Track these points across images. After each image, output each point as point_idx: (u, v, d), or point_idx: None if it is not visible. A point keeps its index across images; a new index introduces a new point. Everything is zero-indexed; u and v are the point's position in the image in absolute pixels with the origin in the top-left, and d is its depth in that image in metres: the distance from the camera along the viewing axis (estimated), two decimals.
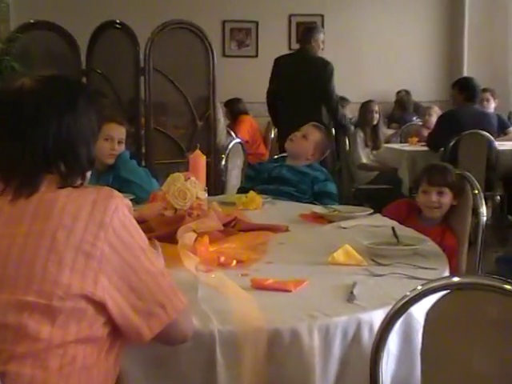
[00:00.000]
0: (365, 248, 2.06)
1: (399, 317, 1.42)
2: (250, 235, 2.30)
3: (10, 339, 1.23)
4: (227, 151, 4.38)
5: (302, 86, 5.27)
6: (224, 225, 2.29)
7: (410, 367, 1.59)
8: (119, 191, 1.36)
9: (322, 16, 8.08)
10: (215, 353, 1.44)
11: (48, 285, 1.23)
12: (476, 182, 2.79)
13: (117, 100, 4.51)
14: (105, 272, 1.26)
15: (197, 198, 2.28)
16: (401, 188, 5.41)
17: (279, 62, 5.50)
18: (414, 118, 7.37)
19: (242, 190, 3.35)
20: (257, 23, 8.00)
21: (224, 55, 7.83)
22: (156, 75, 4.38)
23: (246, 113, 7.15)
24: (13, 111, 1.34)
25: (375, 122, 6.16)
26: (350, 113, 7.29)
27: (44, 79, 1.38)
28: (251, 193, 2.95)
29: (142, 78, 4.39)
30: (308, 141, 3.47)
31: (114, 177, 3.11)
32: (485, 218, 2.67)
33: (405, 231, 2.35)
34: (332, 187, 3.38)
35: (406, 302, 1.40)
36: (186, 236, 2.06)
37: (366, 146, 6.10)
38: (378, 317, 1.51)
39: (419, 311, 1.52)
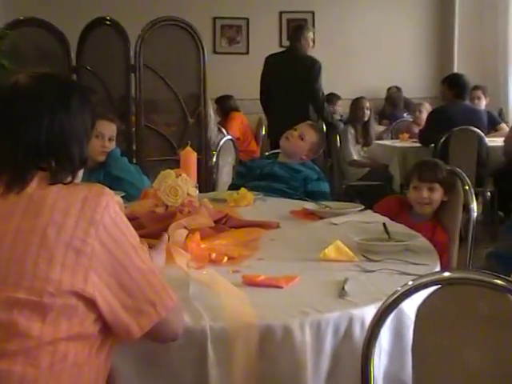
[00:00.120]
0: (356, 244, 2.07)
1: (390, 312, 1.42)
2: (241, 232, 2.30)
3: (0, 336, 1.23)
4: (218, 148, 4.38)
5: (291, 84, 5.36)
6: (215, 221, 2.29)
7: (401, 363, 1.60)
8: (110, 188, 1.35)
9: (313, 13, 8.08)
10: (207, 349, 1.43)
11: (39, 281, 1.23)
12: (467, 177, 2.80)
13: (107, 97, 4.49)
14: (95, 269, 1.26)
15: (188, 194, 2.28)
16: (392, 184, 5.43)
17: (269, 60, 5.59)
18: (405, 115, 7.38)
19: (234, 187, 3.35)
20: (247, 20, 7.99)
21: (215, 52, 7.81)
22: (146, 72, 4.37)
23: (236, 110, 7.15)
24: (7, 107, 1.35)
25: (366, 119, 6.17)
26: (341, 109, 7.30)
27: (39, 76, 1.39)
28: (242, 189, 2.95)
29: (133, 75, 4.37)
30: (304, 141, 3.48)
31: (104, 174, 3.10)
32: (475, 214, 2.68)
33: (396, 227, 2.36)
34: (325, 186, 3.40)
35: (397, 297, 1.41)
36: (177, 233, 2.05)
37: (357, 142, 6.12)
38: (369, 312, 1.51)
39: (410, 307, 1.52)
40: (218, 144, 4.43)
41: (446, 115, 5.31)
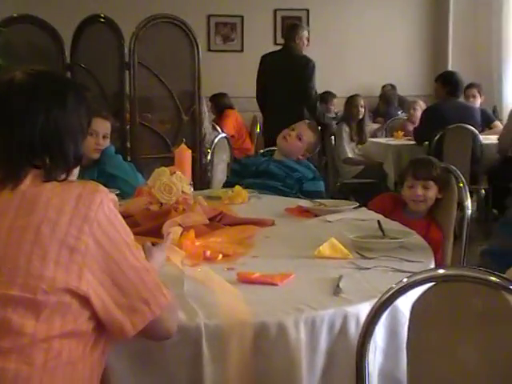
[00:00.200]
0: (350, 241, 2.07)
1: (385, 309, 1.42)
2: (235, 229, 2.30)
3: None
4: (213, 146, 4.38)
5: (286, 83, 5.40)
6: (210, 219, 2.29)
7: (395, 360, 1.60)
8: (104, 186, 1.35)
9: (307, 10, 8.09)
10: (201, 346, 1.43)
11: (32, 279, 1.23)
12: (461, 175, 2.80)
13: (101, 94, 4.48)
14: (89, 266, 1.26)
15: (182, 192, 2.27)
16: (386, 182, 5.44)
17: (265, 59, 5.61)
18: (399, 113, 7.40)
19: (228, 185, 3.35)
20: (242, 18, 7.99)
21: (209, 50, 7.81)
22: (141, 70, 4.36)
23: (231, 107, 7.15)
24: (2, 103, 1.34)
25: (361, 117, 6.18)
26: (336, 107, 7.31)
27: (35, 73, 1.38)
28: (237, 187, 2.95)
29: (127, 72, 4.36)
30: (302, 141, 3.48)
31: (99, 172, 3.09)
32: (470, 212, 2.69)
33: (390, 224, 2.36)
34: (320, 185, 3.40)
35: (392, 294, 1.40)
36: (172, 230, 2.05)
37: (352, 140, 6.12)
38: (364, 310, 1.51)
39: (405, 304, 1.52)
40: (213, 142, 4.43)
41: (440, 113, 5.32)
